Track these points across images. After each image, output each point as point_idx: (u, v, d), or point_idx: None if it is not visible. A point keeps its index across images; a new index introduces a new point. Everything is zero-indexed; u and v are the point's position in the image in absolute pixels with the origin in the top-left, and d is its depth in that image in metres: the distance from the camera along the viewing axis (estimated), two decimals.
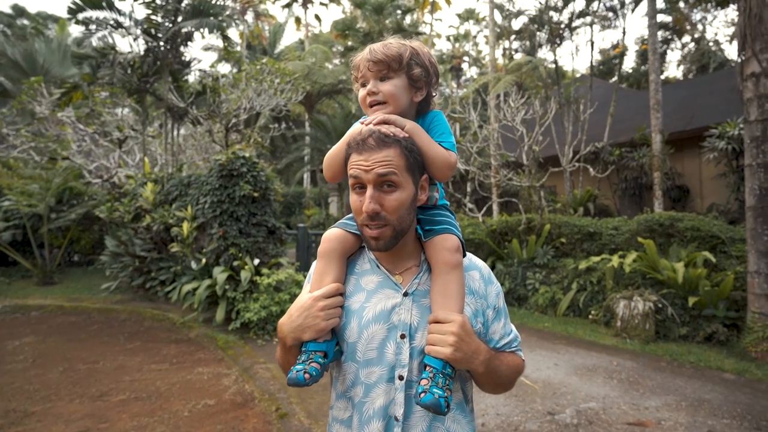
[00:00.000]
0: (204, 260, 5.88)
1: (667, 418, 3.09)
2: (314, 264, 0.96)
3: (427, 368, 0.81)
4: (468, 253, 0.98)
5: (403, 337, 0.87)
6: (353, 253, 0.97)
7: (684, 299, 5.12)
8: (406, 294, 0.90)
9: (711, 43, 21.03)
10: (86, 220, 9.26)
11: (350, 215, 0.94)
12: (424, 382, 0.79)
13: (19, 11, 26.76)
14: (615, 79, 11.33)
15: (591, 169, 8.10)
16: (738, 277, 4.89)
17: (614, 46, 22.86)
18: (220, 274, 5.42)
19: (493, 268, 7.40)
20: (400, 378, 0.86)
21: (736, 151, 7.39)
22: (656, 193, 7.84)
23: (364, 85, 0.91)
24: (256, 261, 5.69)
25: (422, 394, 0.77)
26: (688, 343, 4.91)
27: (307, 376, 0.81)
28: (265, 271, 5.49)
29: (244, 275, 5.35)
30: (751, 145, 4.48)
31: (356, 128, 0.88)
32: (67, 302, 7.23)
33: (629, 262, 5.45)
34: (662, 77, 24.41)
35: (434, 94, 0.97)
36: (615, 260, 5.59)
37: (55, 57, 12.80)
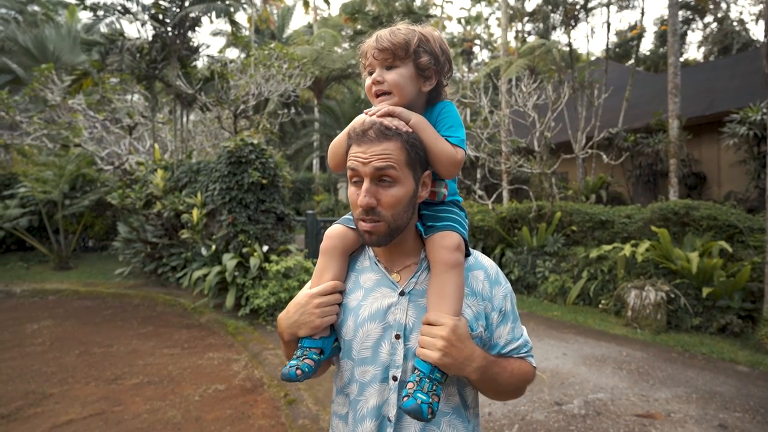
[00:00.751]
0: (214, 247, 5.94)
1: (677, 411, 3.06)
2: None
3: (415, 371, 0.79)
4: (475, 252, 0.95)
5: (397, 337, 0.85)
6: (356, 250, 0.95)
7: (698, 290, 5.02)
8: (402, 293, 0.87)
9: (735, 23, 20.19)
10: (99, 206, 9.41)
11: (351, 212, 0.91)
12: (410, 385, 0.77)
13: None
14: (632, 62, 10.96)
15: (604, 156, 7.90)
16: (755, 268, 4.77)
17: (631, 28, 22.10)
18: (229, 261, 5.47)
19: (502, 255, 7.34)
20: (394, 378, 0.84)
21: (757, 137, 7.13)
22: (672, 181, 7.65)
23: (371, 73, 0.87)
24: (265, 248, 5.73)
25: (405, 398, 0.74)
26: (700, 334, 4.84)
27: (299, 372, 0.81)
28: (273, 257, 5.52)
29: (253, 262, 5.39)
30: None
31: (359, 118, 0.84)
32: (83, 287, 7.40)
33: (642, 251, 5.35)
34: (682, 60, 23.64)
35: (446, 83, 0.91)
36: (627, 249, 5.49)
37: (66, 43, 12.83)
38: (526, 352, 0.93)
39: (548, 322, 5.46)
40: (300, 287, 5.55)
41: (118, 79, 8.89)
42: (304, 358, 0.83)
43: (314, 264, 6.05)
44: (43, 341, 4.89)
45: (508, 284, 0.95)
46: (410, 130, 0.81)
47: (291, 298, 5.40)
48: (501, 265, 7.31)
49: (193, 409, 3.25)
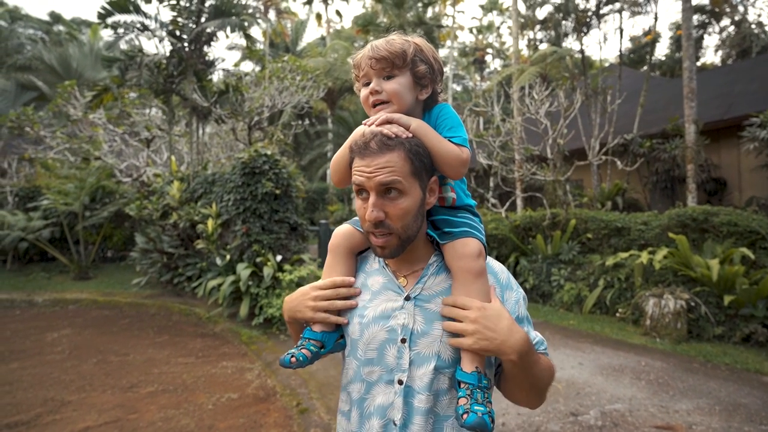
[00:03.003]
0: (228, 256, 6.02)
1: (698, 423, 2.95)
2: None
3: (462, 385, 0.78)
4: (487, 257, 0.94)
5: (403, 341, 0.84)
6: (366, 250, 0.96)
7: (719, 298, 4.87)
8: (408, 298, 0.87)
9: (753, 26, 19.80)
10: (118, 217, 9.66)
11: None
12: (462, 401, 0.76)
13: (56, 18, 28.01)
14: (646, 68, 10.84)
15: (618, 162, 7.79)
16: None
17: (646, 33, 21.86)
18: (243, 271, 5.54)
19: (516, 264, 7.26)
20: (399, 382, 0.84)
21: None
22: (690, 187, 7.48)
23: (366, 84, 0.87)
24: (279, 257, 5.78)
25: (464, 416, 0.73)
26: (723, 344, 4.68)
27: (293, 360, 0.83)
28: (287, 267, 5.57)
29: (267, 271, 5.44)
30: None
31: (359, 130, 0.85)
32: (101, 296, 7.57)
33: (659, 258, 5.23)
34: (699, 63, 23.25)
35: (439, 90, 0.92)
36: (644, 256, 5.37)
37: (88, 61, 13.34)
38: (544, 350, 0.92)
39: (564, 331, 5.35)
40: None
41: (137, 93, 9.18)
42: (301, 348, 0.85)
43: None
44: (62, 349, 5.00)
45: (520, 289, 0.94)
46: (411, 135, 0.81)
47: None
48: (515, 274, 7.22)
49: (206, 418, 3.27)
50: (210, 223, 6.31)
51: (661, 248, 5.48)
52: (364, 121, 0.87)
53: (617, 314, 5.69)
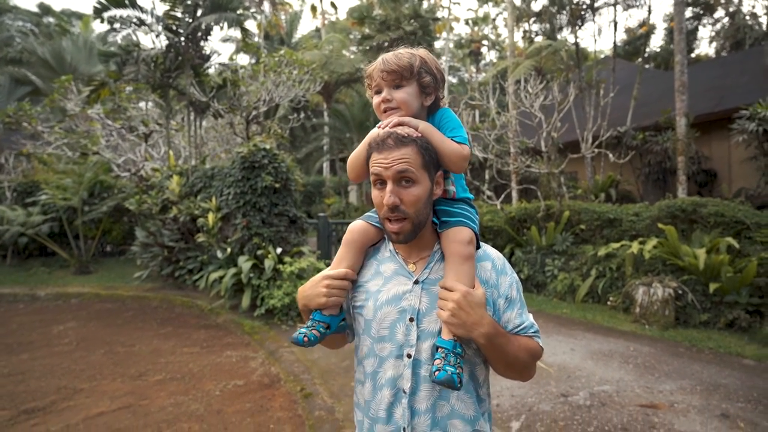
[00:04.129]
0: (229, 249, 6.13)
1: (680, 401, 3.14)
2: None
3: (440, 349, 0.91)
4: (484, 244, 1.06)
5: (411, 320, 0.97)
6: (378, 242, 1.09)
7: (705, 285, 5.07)
8: (416, 282, 0.99)
9: (747, 17, 19.90)
10: (116, 212, 9.71)
11: (374, 209, 1.04)
12: (437, 362, 0.89)
13: (45, 9, 27.56)
14: (640, 60, 10.95)
15: (611, 155, 7.94)
16: (762, 263, 4.80)
17: (641, 25, 21.91)
18: (244, 263, 5.66)
19: (511, 255, 7.43)
20: (408, 356, 0.96)
21: (767, 133, 7.11)
22: (680, 178, 7.66)
23: (378, 92, 1.00)
24: (279, 250, 5.90)
25: (436, 372, 0.87)
26: (708, 330, 4.88)
27: (305, 339, 0.95)
28: (287, 259, 5.70)
29: (268, 263, 5.57)
30: None
31: (375, 131, 0.97)
32: (103, 290, 7.67)
33: (649, 248, 5.40)
34: (693, 55, 23.33)
35: (441, 96, 1.05)
36: (635, 246, 5.54)
37: (82, 54, 13.25)
38: (533, 333, 1.01)
39: (557, 319, 5.54)
40: None
41: (132, 88, 9.19)
42: (312, 329, 0.97)
43: (327, 265, 6.22)
44: (69, 341, 5.12)
45: (515, 274, 1.06)
46: (420, 135, 0.95)
47: None
48: (510, 264, 7.39)
49: (214, 403, 3.42)
50: (210, 216, 6.41)
51: (651, 239, 5.65)
52: (378, 125, 1.00)
53: (608, 303, 5.88)
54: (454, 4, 32.57)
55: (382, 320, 0.99)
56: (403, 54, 0.99)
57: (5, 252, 9.50)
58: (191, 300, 6.69)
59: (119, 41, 7.17)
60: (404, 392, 0.96)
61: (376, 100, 1.01)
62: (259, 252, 5.85)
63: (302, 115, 10.83)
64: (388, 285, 1.01)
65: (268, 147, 6.11)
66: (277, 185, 6.02)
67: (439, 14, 18.11)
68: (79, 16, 26.99)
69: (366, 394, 1.03)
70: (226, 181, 6.35)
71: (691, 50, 23.51)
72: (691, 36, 23.28)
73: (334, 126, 15.37)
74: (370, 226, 1.06)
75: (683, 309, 5.13)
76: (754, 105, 7.35)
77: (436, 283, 0.98)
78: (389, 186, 0.92)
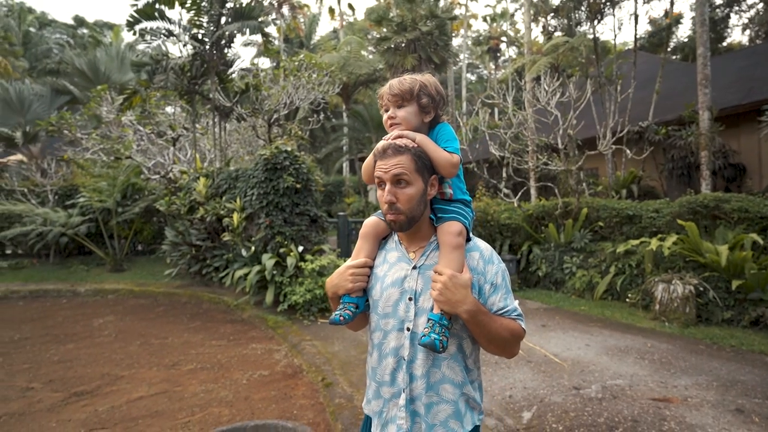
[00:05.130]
0: (253, 248, 6.41)
1: (694, 396, 3.16)
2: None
3: (429, 321, 1.09)
4: (475, 238, 1.23)
5: (410, 299, 1.15)
6: (387, 235, 1.28)
7: (728, 283, 4.99)
8: (415, 267, 1.17)
9: None
10: (147, 212, 10.22)
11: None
12: (425, 330, 1.06)
13: (80, 21, 28.97)
14: (662, 55, 10.68)
15: (628, 151, 7.83)
16: None
17: (666, 14, 21.23)
18: (268, 261, 5.91)
19: (530, 252, 7.45)
20: (408, 329, 1.14)
21: None
22: (703, 174, 7.49)
23: (386, 110, 1.21)
24: (300, 248, 6.14)
25: (422, 337, 1.04)
26: (732, 328, 4.81)
27: (342, 318, 1.14)
28: (308, 257, 5.92)
29: (290, 261, 5.80)
30: None
31: (380, 143, 1.17)
32: (137, 287, 8.12)
33: (669, 244, 5.35)
34: (725, 44, 22.38)
35: (441, 113, 1.24)
36: (654, 243, 5.50)
37: (114, 64, 13.94)
38: (516, 315, 1.15)
39: (575, 316, 5.55)
40: None
41: (161, 94, 9.65)
42: (345, 310, 1.16)
43: (345, 261, 6.42)
44: (109, 333, 5.50)
45: (502, 264, 1.22)
46: (416, 145, 1.13)
47: (326, 294, 5.80)
48: (528, 262, 7.42)
49: (242, 390, 3.65)
50: (235, 216, 6.71)
51: (671, 235, 5.59)
52: (383, 137, 1.20)
53: (627, 300, 5.85)
54: (472, 1, 32.31)
55: (387, 300, 1.17)
56: (406, 80, 1.19)
57: (48, 251, 10.14)
58: (218, 296, 7.02)
59: (150, 51, 7.57)
60: (404, 359, 1.14)
61: (384, 116, 1.22)
62: (282, 250, 6.10)
63: (321, 116, 11.09)
64: (392, 270, 1.20)
65: (289, 149, 6.35)
66: (298, 186, 6.25)
67: (456, 12, 18.09)
68: (110, 27, 28.24)
69: (373, 362, 1.22)
70: (249, 183, 6.63)
71: (722, 39, 22.58)
72: (722, 24, 22.35)
73: (353, 126, 15.62)
74: (380, 221, 1.25)
75: (705, 306, 5.07)
76: None
77: (431, 268, 1.15)
78: (387, 187, 1.11)
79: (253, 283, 6.00)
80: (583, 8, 10.52)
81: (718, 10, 21.80)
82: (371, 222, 1.26)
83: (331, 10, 24.10)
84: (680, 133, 8.87)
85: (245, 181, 6.91)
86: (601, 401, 3.10)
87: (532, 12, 10.40)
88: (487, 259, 1.19)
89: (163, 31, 7.31)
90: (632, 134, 9.13)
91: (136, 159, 9.79)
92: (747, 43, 21.18)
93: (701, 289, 5.06)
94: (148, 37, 7.24)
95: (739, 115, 9.06)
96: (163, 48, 7.56)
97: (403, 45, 11.46)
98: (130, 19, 6.99)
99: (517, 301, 1.20)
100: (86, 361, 4.39)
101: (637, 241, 5.87)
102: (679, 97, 10.55)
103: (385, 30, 13.48)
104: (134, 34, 7.13)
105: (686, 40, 23.05)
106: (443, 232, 1.14)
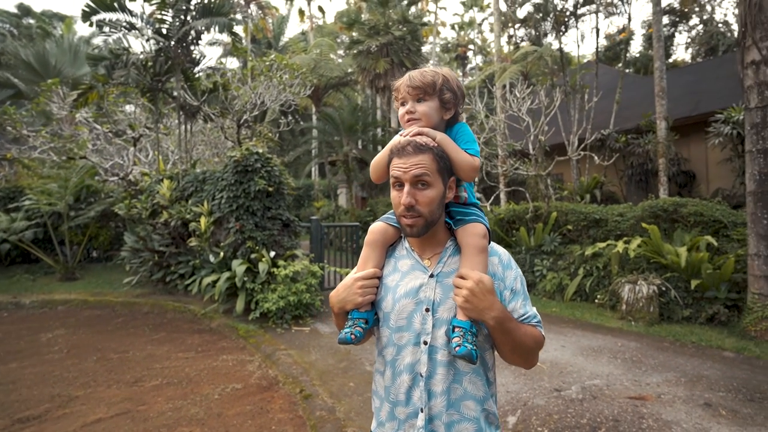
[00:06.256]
0: (222, 254, 6.12)
1: (666, 392, 3.29)
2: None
3: (457, 329, 1.00)
4: (492, 242, 1.15)
5: (427, 310, 1.05)
6: (395, 242, 1.17)
7: (687, 282, 5.28)
8: (432, 276, 1.08)
9: (720, 25, 20.69)
10: (103, 217, 9.56)
11: (391, 211, 1.14)
12: (456, 339, 0.97)
13: (25, 10, 26.93)
14: (620, 65, 11.30)
15: (596, 157, 8.18)
16: (739, 260, 5.03)
17: (620, 31, 22.56)
18: (239, 267, 5.66)
19: None
20: (425, 343, 1.05)
21: (741, 136, 7.43)
22: (661, 179, 7.93)
23: (403, 104, 1.11)
24: (272, 253, 5.93)
25: (456, 348, 0.95)
26: (690, 325, 5.08)
27: (353, 336, 1.03)
28: (281, 263, 5.72)
29: (262, 267, 5.58)
30: (751, 132, 4.58)
31: (397, 139, 1.08)
32: (91, 296, 7.54)
33: (634, 247, 5.60)
34: (670, 60, 24.06)
35: (461, 111, 1.16)
36: (620, 246, 5.74)
37: (67, 57, 13.01)
38: (536, 322, 1.09)
39: (547, 318, 5.68)
40: (308, 290, 5.76)
41: (120, 91, 9.09)
42: (355, 326, 1.06)
43: (321, 268, 6.27)
44: (59, 349, 5.04)
45: (519, 269, 1.15)
46: (437, 144, 1.04)
47: (299, 301, 5.62)
48: None
49: (214, 407, 3.43)
50: (203, 220, 6.39)
51: (636, 238, 5.86)
52: (400, 132, 1.10)
53: (596, 300, 6.06)
54: (441, 8, 32.97)
55: (400, 312, 1.08)
56: (427, 72, 1.10)
57: None
58: (183, 305, 6.65)
59: (110, 43, 7.10)
60: (421, 376, 1.05)
61: (401, 111, 1.11)
62: (253, 256, 5.86)
63: (291, 118, 10.86)
64: (405, 279, 1.10)
65: (260, 151, 6.14)
66: (270, 189, 6.05)
67: (425, 19, 18.34)
68: (61, 18, 26.46)
69: (386, 381, 1.11)
70: (218, 185, 6.35)
71: (668, 55, 24.29)
72: (668, 42, 24.05)
73: (323, 129, 15.41)
74: (388, 226, 1.15)
75: (666, 305, 5.33)
76: (729, 109, 7.69)
77: (449, 275, 1.07)
78: (406, 188, 1.01)
79: (222, 290, 5.72)
80: (549, 20, 10.96)
81: (664, 29, 23.43)
82: (378, 228, 1.15)
83: (301, 12, 23.80)
84: (638, 141, 9.38)
85: (213, 183, 6.61)
86: (582, 402, 3.15)
87: (501, 19, 10.70)
88: (506, 264, 1.13)
89: (124, 24, 6.89)
90: (595, 141, 9.56)
91: (92, 159, 9.16)
92: (690, 61, 22.86)
93: (663, 288, 5.33)
94: (106, 29, 6.78)
95: (689, 126, 9.72)
96: (124, 42, 7.11)
97: (375, 49, 11.45)
98: (86, 9, 6.53)
99: (534, 307, 1.14)
100: (32, 382, 3.98)
101: (603, 244, 6.11)
102: (636, 107, 11.19)
103: (356, 34, 13.44)
104: (90, 25, 6.66)
105: (637, 55, 24.58)
106: (467, 234, 1.06)
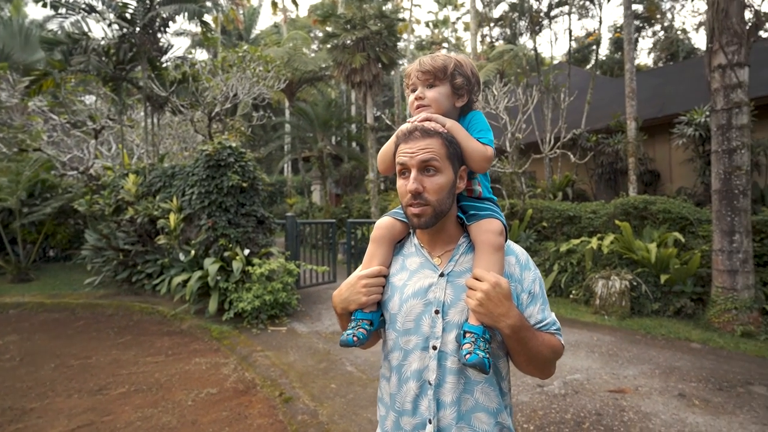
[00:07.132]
0: (193, 252, 5.85)
1: (643, 385, 3.37)
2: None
3: (468, 334, 0.91)
4: (509, 241, 1.06)
5: (437, 312, 0.97)
6: (403, 239, 1.08)
7: (657, 277, 5.48)
8: (442, 275, 0.99)
9: (679, 32, 21.76)
10: (61, 213, 8.97)
11: (399, 206, 1.04)
12: (467, 345, 0.88)
13: None
14: (591, 66, 11.64)
15: (572, 156, 8.39)
16: (704, 255, 5.26)
17: (588, 34, 23.32)
18: (211, 265, 5.42)
19: None
20: (434, 348, 0.96)
21: (702, 138, 7.80)
22: (630, 178, 8.22)
23: (413, 91, 1.03)
24: (247, 251, 5.71)
25: (467, 356, 0.86)
26: (660, 318, 5.28)
27: (355, 338, 0.94)
28: (256, 261, 5.52)
29: (236, 265, 5.36)
30: (717, 133, 4.78)
31: (404, 126, 0.99)
32: (48, 299, 7.04)
33: (607, 243, 5.76)
34: (635, 64, 25.10)
35: (475, 99, 1.08)
36: (594, 242, 5.89)
37: (17, 41, 12.10)
38: (555, 330, 1.01)
39: None
40: (284, 289, 5.58)
41: (79, 80, 8.52)
42: (358, 328, 0.96)
43: (297, 266, 6.09)
44: (11, 356, 4.66)
45: (537, 270, 1.06)
46: (446, 131, 0.96)
47: (275, 300, 5.44)
48: None
49: (187, 414, 3.24)
50: (172, 217, 6.09)
51: (608, 234, 6.03)
52: (408, 119, 1.02)
53: (571, 296, 6.21)
54: (416, 6, 33.03)
55: (407, 313, 0.99)
56: (439, 56, 1.02)
57: None
58: (151, 306, 6.31)
59: (67, 27, 6.60)
60: (430, 384, 0.96)
61: (410, 98, 1.03)
62: (227, 254, 5.63)
63: (263, 113, 10.54)
64: (414, 278, 1.01)
65: (234, 145, 5.89)
66: (244, 184, 5.82)
67: (401, 15, 18.27)
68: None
69: (392, 388, 1.02)
70: (189, 181, 6.05)
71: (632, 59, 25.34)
72: (633, 47, 25.09)
73: (296, 125, 15.08)
74: (396, 221, 1.06)
75: (637, 299, 5.52)
76: (691, 112, 8.05)
77: (461, 275, 0.98)
78: (413, 174, 0.93)
79: (194, 290, 5.46)
80: (524, 20, 11.15)
81: (633, 36, 24.44)
82: (385, 223, 1.06)
83: (274, 4, 23.17)
84: (608, 140, 9.68)
85: (183, 179, 6.29)
86: (565, 397, 3.19)
87: (476, 20, 10.78)
88: (524, 265, 1.04)
89: (82, 5, 6.42)
90: (568, 140, 9.80)
91: (47, 152, 8.55)
92: (652, 65, 23.94)
93: (635, 283, 5.51)
94: (62, 11, 6.30)
95: (655, 127, 10.12)
96: (83, 26, 6.64)
97: (351, 43, 11.28)
98: None
99: (553, 313, 1.05)
100: None
101: (577, 241, 6.26)
102: (606, 108, 11.56)
103: (331, 27, 13.21)
104: (44, 5, 6.17)
105: (604, 58, 25.51)
106: (481, 230, 0.97)
